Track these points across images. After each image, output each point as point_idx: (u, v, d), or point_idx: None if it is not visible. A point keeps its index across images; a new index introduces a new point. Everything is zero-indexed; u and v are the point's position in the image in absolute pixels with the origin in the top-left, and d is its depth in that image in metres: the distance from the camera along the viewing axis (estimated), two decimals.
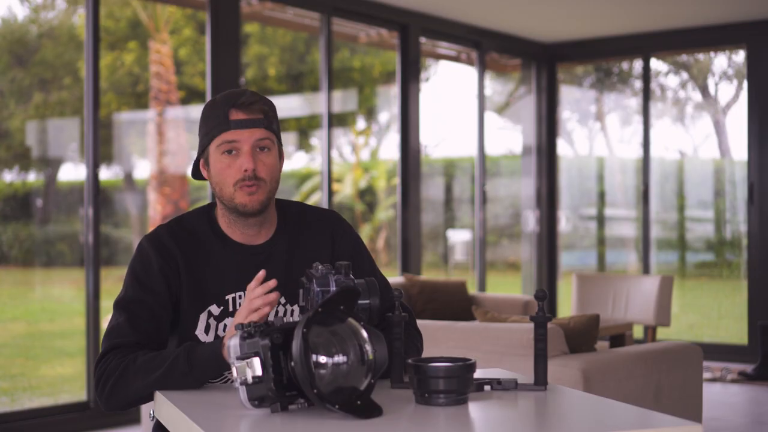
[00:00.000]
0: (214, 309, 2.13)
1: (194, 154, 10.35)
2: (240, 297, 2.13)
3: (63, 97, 7.55)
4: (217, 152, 2.10)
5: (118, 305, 2.10)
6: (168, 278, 2.11)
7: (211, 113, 2.11)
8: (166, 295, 2.10)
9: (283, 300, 2.16)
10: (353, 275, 2.00)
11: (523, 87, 9.04)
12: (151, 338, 2.07)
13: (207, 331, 2.12)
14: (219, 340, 1.99)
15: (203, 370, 1.97)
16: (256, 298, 1.95)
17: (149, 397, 2.01)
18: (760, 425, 5.55)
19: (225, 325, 2.13)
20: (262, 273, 1.98)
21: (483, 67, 8.25)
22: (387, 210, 10.89)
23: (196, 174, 2.21)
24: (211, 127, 2.10)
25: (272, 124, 2.12)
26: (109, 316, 2.15)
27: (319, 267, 1.91)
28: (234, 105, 2.08)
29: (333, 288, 1.88)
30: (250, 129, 2.08)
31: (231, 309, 2.13)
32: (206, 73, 6.06)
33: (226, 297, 2.13)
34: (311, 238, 2.22)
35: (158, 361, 1.99)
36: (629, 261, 9.19)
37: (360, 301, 1.88)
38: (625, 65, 9.35)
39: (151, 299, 2.09)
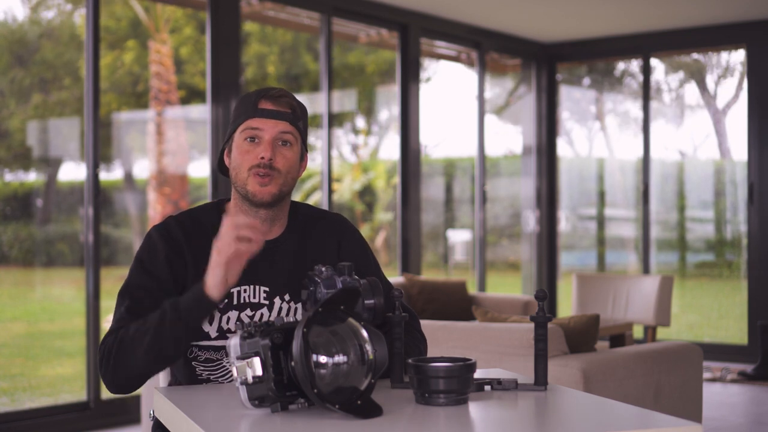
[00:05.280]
0: None
1: (194, 154, 10.35)
2: (245, 291, 2.15)
3: (63, 97, 7.55)
4: (240, 138, 2.14)
5: (122, 292, 2.11)
6: (174, 267, 2.12)
7: (241, 102, 2.17)
8: (171, 284, 2.11)
9: (287, 297, 2.17)
10: (357, 277, 2.01)
11: (523, 87, 9.04)
12: None
13: (210, 321, 2.14)
14: (200, 287, 1.95)
15: (190, 312, 1.94)
16: (243, 229, 1.90)
17: (152, 368, 2.00)
18: (760, 425, 5.55)
19: (228, 318, 2.14)
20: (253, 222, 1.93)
21: (483, 67, 8.25)
22: (386, 210, 10.90)
23: (221, 166, 2.24)
24: (238, 114, 2.15)
25: (298, 121, 2.16)
26: (110, 316, 2.16)
27: (323, 269, 1.91)
28: (264, 96, 2.14)
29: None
30: (275, 120, 2.12)
31: (235, 302, 2.14)
32: (206, 72, 6.06)
33: (232, 290, 2.14)
34: (319, 239, 2.24)
35: (148, 323, 1.98)
36: (629, 261, 9.19)
37: (366, 301, 1.89)
38: (624, 65, 9.35)
39: (156, 286, 2.10)
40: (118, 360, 2.00)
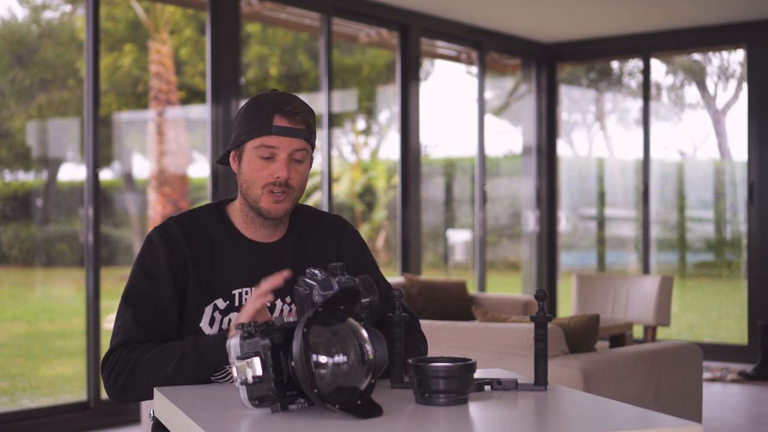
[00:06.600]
0: (220, 303, 2.14)
1: (194, 154, 10.33)
2: (246, 293, 2.16)
3: (63, 98, 7.55)
4: (254, 153, 2.11)
5: (125, 299, 2.11)
6: (175, 272, 2.12)
7: (255, 112, 2.12)
8: (173, 288, 2.11)
9: (288, 299, 2.17)
10: (350, 276, 2.02)
11: (523, 87, 9.04)
12: (157, 332, 2.09)
13: (211, 324, 2.14)
14: (223, 332, 2.03)
15: (212, 356, 2.00)
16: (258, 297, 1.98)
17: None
18: (760, 425, 5.55)
19: (230, 320, 2.15)
20: (287, 273, 2.01)
21: (483, 67, 8.25)
22: (385, 209, 10.89)
23: (223, 160, 2.23)
24: (252, 127, 2.11)
25: (311, 136, 2.15)
26: (110, 316, 2.17)
27: (315, 272, 1.92)
28: (280, 111, 2.10)
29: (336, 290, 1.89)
30: (290, 138, 2.10)
31: (237, 304, 2.15)
32: (206, 73, 6.06)
33: (233, 292, 2.15)
34: (319, 241, 2.25)
35: (167, 355, 2.01)
36: (629, 261, 9.19)
37: (361, 300, 1.89)
38: (624, 65, 9.35)
39: (158, 292, 2.10)
40: (129, 385, 2.03)
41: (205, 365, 2.00)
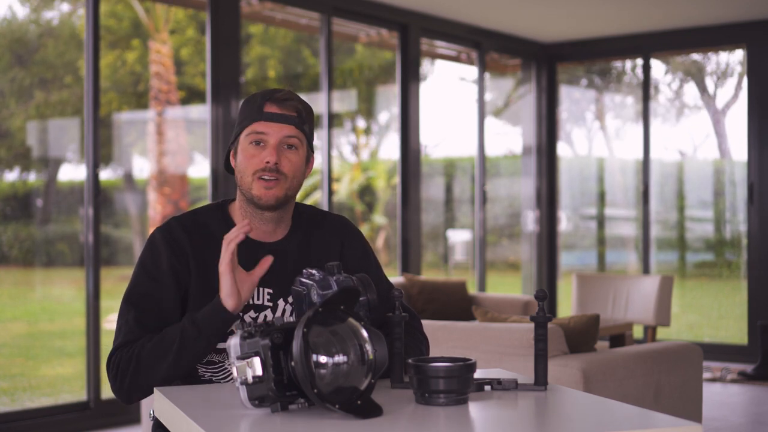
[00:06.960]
0: None
1: (195, 155, 10.34)
2: None
3: (64, 97, 7.55)
4: (246, 141, 2.13)
5: (127, 299, 2.11)
6: (177, 272, 2.12)
7: (246, 104, 2.16)
8: (175, 289, 2.11)
9: (290, 299, 2.17)
10: (347, 274, 2.02)
11: (523, 87, 9.04)
12: (158, 333, 2.08)
13: None
14: (216, 299, 2.01)
15: (211, 328, 1.99)
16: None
17: (172, 380, 2.03)
18: (760, 425, 5.55)
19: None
20: (270, 259, 2.03)
21: (483, 67, 8.25)
22: (385, 210, 10.89)
23: (228, 165, 2.24)
24: (244, 117, 2.15)
25: (304, 124, 2.15)
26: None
27: (313, 272, 1.92)
28: (269, 99, 2.12)
29: (335, 289, 1.88)
30: (280, 123, 2.11)
31: None
32: (206, 72, 6.06)
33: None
34: (322, 241, 2.24)
35: (167, 340, 2.01)
36: (629, 261, 9.19)
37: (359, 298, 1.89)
38: (624, 65, 9.35)
39: (160, 293, 2.10)
40: (137, 378, 2.02)
41: (205, 338, 1.99)
